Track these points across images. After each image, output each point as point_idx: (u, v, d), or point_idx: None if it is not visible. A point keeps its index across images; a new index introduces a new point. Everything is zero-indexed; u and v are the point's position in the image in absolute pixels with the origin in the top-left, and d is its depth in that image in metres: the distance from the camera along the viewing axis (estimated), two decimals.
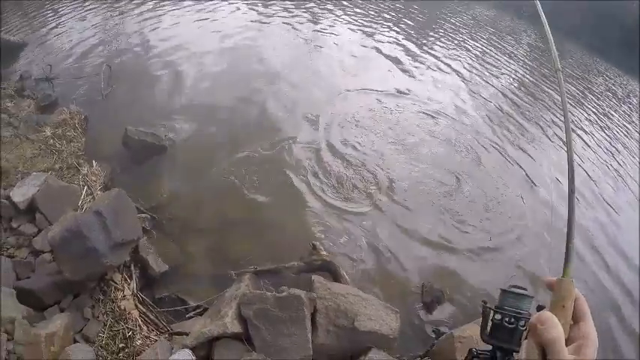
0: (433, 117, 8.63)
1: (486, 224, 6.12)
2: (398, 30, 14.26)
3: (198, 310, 4.05)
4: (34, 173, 4.89)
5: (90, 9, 11.25)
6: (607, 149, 10.47)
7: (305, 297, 3.49)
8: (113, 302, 3.88)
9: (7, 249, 4.13)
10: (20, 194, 4.55)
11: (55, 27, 9.93)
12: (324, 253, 4.47)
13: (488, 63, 13.53)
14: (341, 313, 3.69)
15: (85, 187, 4.94)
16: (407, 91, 9.53)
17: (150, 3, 11.96)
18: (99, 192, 4.91)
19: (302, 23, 12.57)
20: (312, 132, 7.14)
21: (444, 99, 9.69)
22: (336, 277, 4.39)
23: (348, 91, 8.88)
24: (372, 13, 15.48)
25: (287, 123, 7.25)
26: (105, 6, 11.56)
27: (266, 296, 3.47)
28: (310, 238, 4.83)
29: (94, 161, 5.38)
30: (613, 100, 15.26)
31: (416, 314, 4.60)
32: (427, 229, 5.75)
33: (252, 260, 4.48)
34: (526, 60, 15.69)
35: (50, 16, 10.58)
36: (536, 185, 7.40)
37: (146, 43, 9.37)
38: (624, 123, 13.03)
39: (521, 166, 7.82)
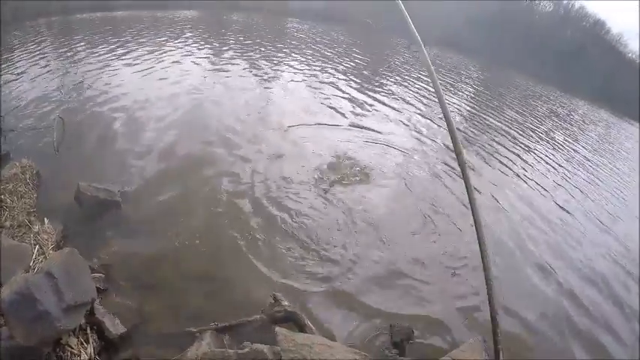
0: (383, 152, 9.16)
1: (446, 262, 6.32)
2: (344, 72, 15.02)
3: None
4: None
5: (44, 59, 11.22)
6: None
7: (268, 351, 3.45)
8: None
9: None
10: None
11: (9, 77, 9.79)
12: (286, 303, 4.44)
13: (431, 99, 14.36)
14: None
15: (37, 246, 4.73)
16: (357, 128, 10.09)
17: (104, 56, 12.07)
18: (51, 251, 4.70)
19: (256, 72, 13.04)
20: (268, 178, 7.36)
21: (393, 134, 10.31)
22: (300, 327, 4.35)
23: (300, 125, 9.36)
24: (316, 57, 16.24)
25: (242, 174, 7.37)
26: (59, 56, 11.54)
27: (228, 354, 3.40)
28: (271, 289, 4.79)
29: (45, 219, 5.18)
30: (555, 119, 16.45)
31: (386, 356, 4.60)
32: (392, 268, 5.88)
33: (212, 316, 4.37)
34: (467, 93, 16.74)
35: (7, 66, 10.46)
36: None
37: (100, 95, 9.48)
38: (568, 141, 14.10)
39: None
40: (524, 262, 6.91)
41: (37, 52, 11.70)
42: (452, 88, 16.48)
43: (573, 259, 7.58)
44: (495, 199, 8.65)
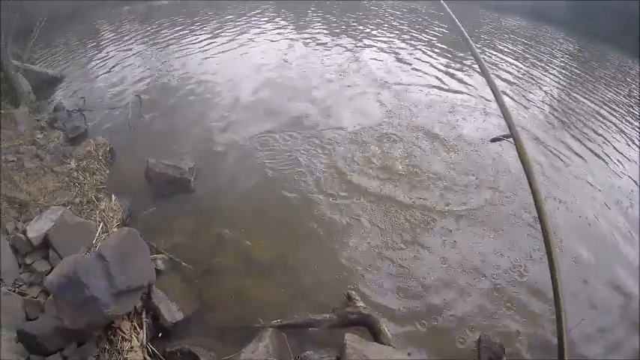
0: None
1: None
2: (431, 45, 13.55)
3: None
4: (52, 207, 4.67)
5: (126, 42, 11.52)
6: None
7: None
8: (119, 354, 3.46)
9: (20, 285, 3.93)
10: (35, 229, 4.35)
11: (95, 60, 10.17)
12: (361, 304, 3.80)
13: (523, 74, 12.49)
14: None
15: (102, 224, 4.60)
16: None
17: (186, 38, 12.07)
18: (115, 229, 4.54)
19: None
20: (347, 161, 6.55)
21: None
22: (375, 333, 3.70)
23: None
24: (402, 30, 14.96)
25: (322, 158, 6.58)
26: (141, 39, 11.80)
27: None
28: (346, 286, 4.16)
29: (113, 195, 5.07)
30: None
31: None
32: (484, 268, 4.91)
33: (277, 309, 3.88)
34: (555, 68, 14.37)
35: (91, 50, 10.89)
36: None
37: (182, 77, 9.27)
38: None
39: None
40: None
41: (120, 36, 12.07)
42: (537, 62, 14.34)
43: None
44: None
